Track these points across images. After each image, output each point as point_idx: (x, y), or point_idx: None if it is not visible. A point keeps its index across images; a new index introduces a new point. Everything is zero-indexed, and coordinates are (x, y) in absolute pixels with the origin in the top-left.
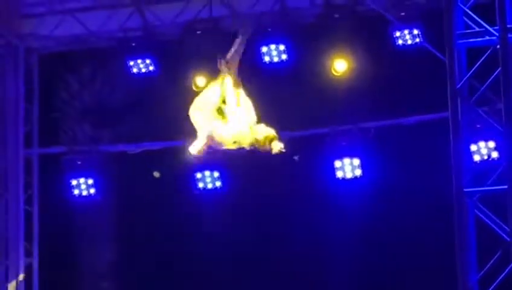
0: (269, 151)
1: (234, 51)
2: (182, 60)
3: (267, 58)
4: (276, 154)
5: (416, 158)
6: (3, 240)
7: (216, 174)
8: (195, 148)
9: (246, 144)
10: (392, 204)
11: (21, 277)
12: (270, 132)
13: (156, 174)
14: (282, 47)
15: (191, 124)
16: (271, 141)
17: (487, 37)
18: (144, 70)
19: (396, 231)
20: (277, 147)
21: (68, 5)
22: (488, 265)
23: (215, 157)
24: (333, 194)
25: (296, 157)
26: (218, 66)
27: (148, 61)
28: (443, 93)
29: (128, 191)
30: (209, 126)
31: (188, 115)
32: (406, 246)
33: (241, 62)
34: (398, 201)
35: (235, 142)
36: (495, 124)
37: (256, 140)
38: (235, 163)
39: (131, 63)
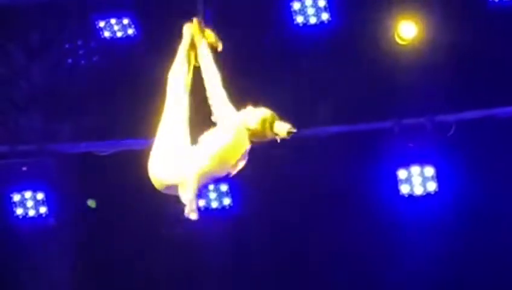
0: (275, 139)
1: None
2: (174, 19)
3: (300, 19)
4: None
5: None
6: None
7: (224, 187)
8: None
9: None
10: (479, 232)
11: None
12: (264, 112)
13: (92, 203)
14: (322, 2)
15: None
16: (271, 123)
17: None
18: (119, 34)
19: (484, 268)
20: (283, 128)
21: None
22: None
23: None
24: (396, 218)
25: None
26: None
27: (125, 21)
28: None
29: (94, 210)
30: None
31: None
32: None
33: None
34: (487, 228)
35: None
36: None
37: (251, 130)
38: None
39: (102, 24)
